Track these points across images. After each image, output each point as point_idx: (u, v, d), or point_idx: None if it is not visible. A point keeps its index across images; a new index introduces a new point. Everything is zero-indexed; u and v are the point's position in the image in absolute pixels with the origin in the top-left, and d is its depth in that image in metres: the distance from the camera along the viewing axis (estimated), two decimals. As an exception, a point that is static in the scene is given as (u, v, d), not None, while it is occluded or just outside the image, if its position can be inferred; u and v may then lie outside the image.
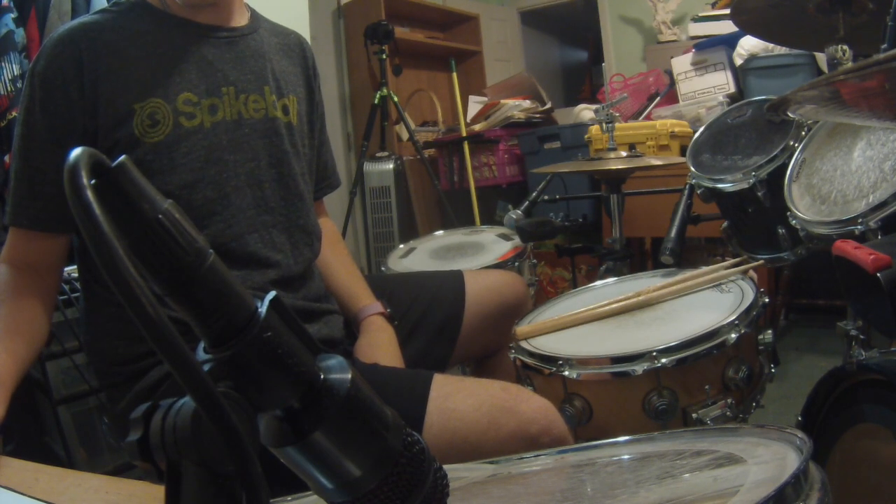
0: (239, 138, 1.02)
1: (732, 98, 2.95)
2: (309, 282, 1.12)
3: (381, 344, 1.13)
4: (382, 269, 1.74)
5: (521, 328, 1.16)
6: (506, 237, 1.83)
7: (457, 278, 1.31)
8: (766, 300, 1.11)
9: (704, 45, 3.17)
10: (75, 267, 1.31)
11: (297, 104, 1.12)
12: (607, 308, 1.18)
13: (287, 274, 1.06)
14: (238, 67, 1.04)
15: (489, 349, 1.35)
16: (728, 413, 1.00)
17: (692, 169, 1.43)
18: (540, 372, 1.06)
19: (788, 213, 1.15)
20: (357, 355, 1.12)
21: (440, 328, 1.25)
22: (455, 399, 0.92)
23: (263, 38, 1.10)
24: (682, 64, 3.20)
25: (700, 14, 3.61)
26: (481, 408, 0.91)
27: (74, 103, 0.93)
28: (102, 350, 1.02)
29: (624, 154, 1.66)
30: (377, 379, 0.95)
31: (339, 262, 1.25)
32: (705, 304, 1.15)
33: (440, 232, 2.03)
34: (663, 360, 0.96)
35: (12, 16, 1.73)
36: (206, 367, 0.32)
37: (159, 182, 0.95)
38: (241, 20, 1.09)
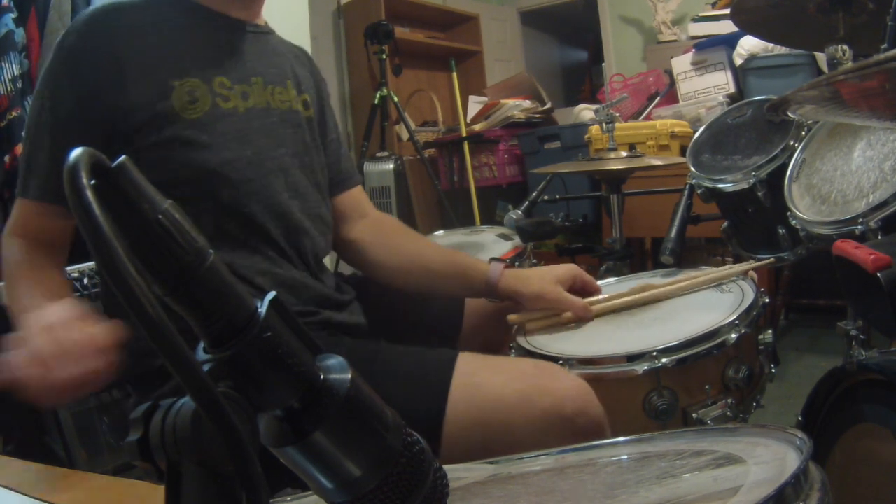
0: (268, 125, 1.05)
1: (732, 98, 2.95)
2: (326, 271, 1.13)
3: (529, 275, 1.12)
4: (382, 269, 1.74)
5: (513, 316, 1.15)
6: (506, 237, 1.83)
7: None
8: (766, 300, 1.11)
9: (704, 45, 3.17)
10: (75, 267, 1.30)
11: (312, 103, 1.17)
12: (605, 305, 1.18)
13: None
14: (264, 61, 1.08)
15: (489, 348, 1.35)
16: (728, 413, 1.00)
17: (692, 169, 1.43)
18: (540, 372, 1.06)
19: (788, 213, 1.15)
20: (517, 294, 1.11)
21: (440, 328, 1.25)
22: (483, 375, 0.89)
23: (279, 41, 1.16)
24: (682, 64, 3.21)
25: (700, 14, 3.61)
26: (511, 384, 0.87)
27: (104, 79, 0.93)
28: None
29: (624, 154, 1.66)
30: (400, 358, 0.94)
31: (430, 247, 1.22)
32: (705, 304, 1.15)
33: (440, 232, 2.03)
34: (663, 360, 0.96)
35: (12, 16, 1.73)
36: (206, 367, 0.32)
37: (201, 157, 0.96)
38: (261, 22, 1.14)
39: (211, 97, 0.98)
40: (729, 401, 1.01)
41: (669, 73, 3.31)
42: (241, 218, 0.99)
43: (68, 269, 1.07)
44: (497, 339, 1.31)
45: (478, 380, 0.88)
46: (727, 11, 2.74)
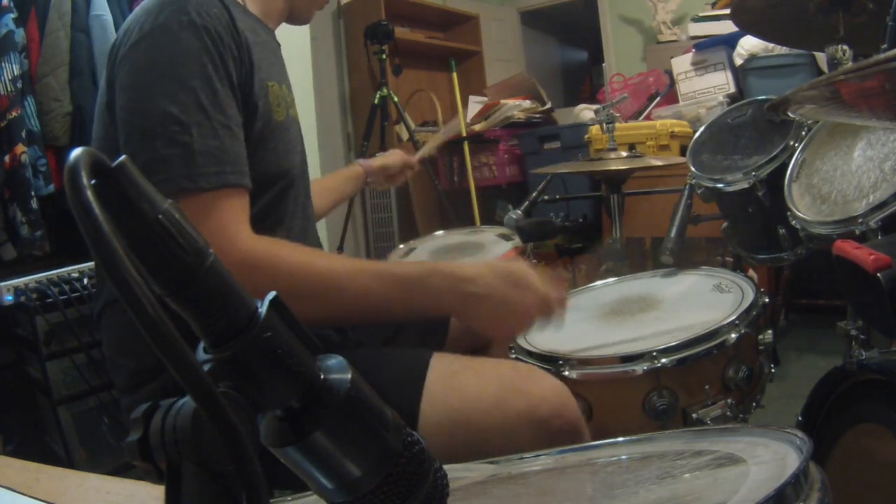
0: (299, 132, 1.08)
1: (732, 98, 2.95)
2: None
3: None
4: (382, 269, 1.73)
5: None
6: (506, 237, 1.83)
7: None
8: (766, 300, 1.11)
9: (704, 44, 3.17)
10: (75, 267, 1.31)
11: None
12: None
13: None
14: (285, 71, 1.09)
15: (476, 350, 1.34)
16: (728, 413, 1.00)
17: (692, 169, 1.43)
18: (540, 372, 1.06)
19: (788, 213, 1.15)
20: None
21: (429, 329, 1.25)
22: (459, 377, 0.88)
23: None
24: (682, 64, 3.20)
25: (700, 14, 3.61)
26: (487, 386, 0.86)
27: (235, 58, 0.88)
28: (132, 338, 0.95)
29: (624, 154, 1.65)
30: (377, 359, 0.94)
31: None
32: (705, 304, 1.15)
33: (440, 232, 2.03)
34: (663, 360, 0.96)
35: (12, 16, 1.73)
36: (206, 367, 0.32)
37: (283, 161, 0.97)
38: None
39: (285, 103, 0.99)
40: (729, 401, 1.01)
41: (669, 73, 3.31)
42: (284, 220, 1.00)
43: (67, 269, 1.06)
44: (484, 342, 1.31)
45: (453, 382, 0.88)
46: (727, 11, 2.73)
